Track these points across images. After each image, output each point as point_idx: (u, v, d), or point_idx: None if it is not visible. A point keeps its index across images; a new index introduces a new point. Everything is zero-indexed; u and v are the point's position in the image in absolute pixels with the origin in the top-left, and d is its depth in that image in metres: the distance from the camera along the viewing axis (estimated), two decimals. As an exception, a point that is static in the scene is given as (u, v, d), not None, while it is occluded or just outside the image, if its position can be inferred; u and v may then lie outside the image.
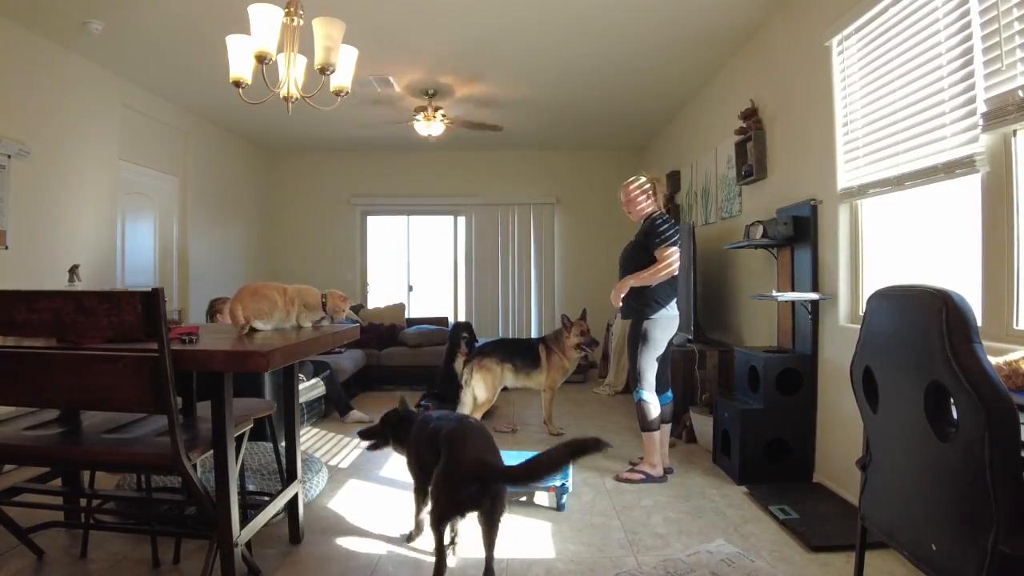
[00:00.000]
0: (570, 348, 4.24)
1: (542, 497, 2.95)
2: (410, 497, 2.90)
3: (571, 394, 5.57)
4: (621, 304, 3.33)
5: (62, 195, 3.98)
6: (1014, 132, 1.99)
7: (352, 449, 3.87)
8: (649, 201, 3.37)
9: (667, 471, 3.30)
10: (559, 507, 2.82)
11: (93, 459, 1.89)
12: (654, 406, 3.22)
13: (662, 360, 3.28)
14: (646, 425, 3.22)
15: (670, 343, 3.30)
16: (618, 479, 3.21)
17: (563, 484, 2.83)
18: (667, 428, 3.37)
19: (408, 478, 3.21)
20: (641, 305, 3.24)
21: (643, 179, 3.40)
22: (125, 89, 4.59)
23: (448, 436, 2.16)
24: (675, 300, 3.29)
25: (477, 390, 4.08)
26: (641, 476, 3.19)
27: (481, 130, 5.53)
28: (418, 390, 5.74)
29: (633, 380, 3.28)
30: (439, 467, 2.10)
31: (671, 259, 3.20)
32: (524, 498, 2.97)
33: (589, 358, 4.51)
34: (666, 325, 3.24)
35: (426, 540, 2.50)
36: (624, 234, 7.29)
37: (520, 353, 4.27)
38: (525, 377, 4.24)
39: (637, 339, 3.25)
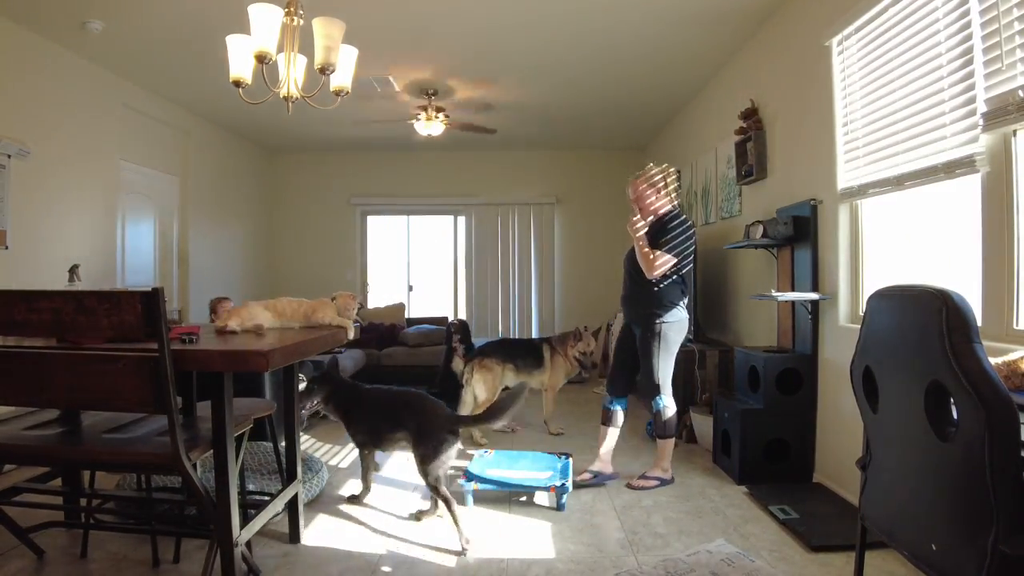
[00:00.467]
0: (571, 355, 4.23)
1: (542, 497, 2.95)
2: (408, 496, 3.02)
3: (571, 394, 5.57)
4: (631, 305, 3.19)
5: (62, 195, 3.98)
6: (1014, 132, 1.99)
7: (352, 449, 3.87)
8: (658, 196, 3.13)
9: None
10: (559, 507, 2.83)
11: (93, 459, 1.89)
12: (673, 411, 3.12)
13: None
14: (665, 432, 3.12)
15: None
16: (631, 487, 3.10)
17: (563, 484, 2.83)
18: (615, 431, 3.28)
19: (405, 478, 3.26)
20: (653, 308, 3.07)
21: (652, 171, 3.14)
22: (125, 89, 4.59)
23: (415, 404, 2.71)
24: (685, 300, 3.14)
25: (477, 389, 4.08)
26: (656, 482, 3.11)
27: (475, 132, 5.52)
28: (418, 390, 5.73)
29: (650, 388, 3.10)
30: (421, 424, 2.59)
31: (658, 263, 2.98)
32: (524, 498, 2.97)
33: (583, 373, 4.46)
34: (680, 327, 3.10)
35: (426, 540, 2.51)
36: (625, 233, 7.36)
37: (522, 353, 4.26)
38: (527, 376, 4.22)
39: (651, 344, 3.08)
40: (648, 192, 3.14)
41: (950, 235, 2.48)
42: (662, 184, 3.15)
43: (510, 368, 4.18)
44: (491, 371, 4.10)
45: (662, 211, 3.14)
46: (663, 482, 3.13)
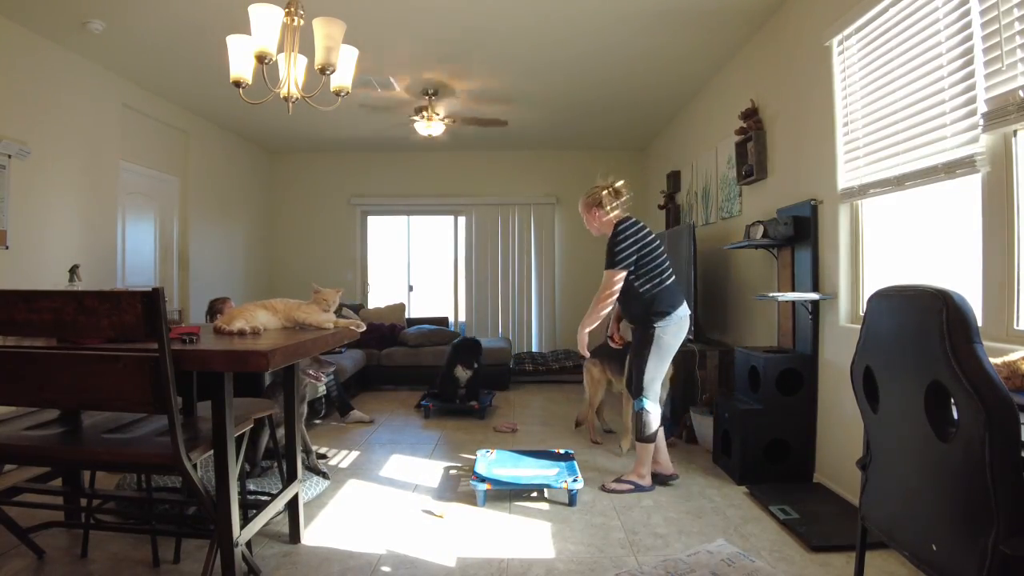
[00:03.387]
0: None
1: (552, 493, 2.99)
2: (407, 496, 3.03)
3: (569, 393, 5.57)
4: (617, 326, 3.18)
5: (62, 195, 3.98)
6: (1014, 132, 1.99)
7: (352, 449, 3.87)
8: (600, 213, 3.10)
9: (672, 477, 3.15)
10: (572, 502, 2.86)
11: (93, 459, 1.89)
12: (656, 417, 3.02)
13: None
14: (644, 436, 3.02)
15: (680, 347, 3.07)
16: (604, 489, 3.04)
17: (575, 479, 2.90)
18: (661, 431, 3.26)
19: (404, 478, 3.25)
20: (648, 315, 2.99)
21: (594, 189, 3.14)
22: (125, 89, 4.59)
23: None
24: (684, 302, 3.05)
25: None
26: (629, 486, 3.03)
27: (486, 126, 5.51)
28: (418, 390, 5.74)
29: (636, 388, 3.03)
30: None
31: (611, 286, 2.94)
32: (535, 494, 2.99)
33: None
34: (676, 330, 3.00)
35: (426, 540, 2.51)
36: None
37: (621, 357, 4.02)
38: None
39: (644, 345, 2.99)
40: (592, 209, 3.14)
41: (950, 235, 2.48)
42: (606, 199, 3.10)
43: (610, 372, 4.02)
44: (588, 373, 4.07)
45: (614, 223, 3.07)
46: (639, 488, 3.03)
